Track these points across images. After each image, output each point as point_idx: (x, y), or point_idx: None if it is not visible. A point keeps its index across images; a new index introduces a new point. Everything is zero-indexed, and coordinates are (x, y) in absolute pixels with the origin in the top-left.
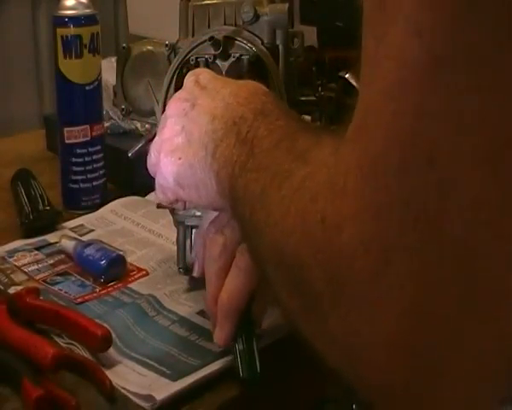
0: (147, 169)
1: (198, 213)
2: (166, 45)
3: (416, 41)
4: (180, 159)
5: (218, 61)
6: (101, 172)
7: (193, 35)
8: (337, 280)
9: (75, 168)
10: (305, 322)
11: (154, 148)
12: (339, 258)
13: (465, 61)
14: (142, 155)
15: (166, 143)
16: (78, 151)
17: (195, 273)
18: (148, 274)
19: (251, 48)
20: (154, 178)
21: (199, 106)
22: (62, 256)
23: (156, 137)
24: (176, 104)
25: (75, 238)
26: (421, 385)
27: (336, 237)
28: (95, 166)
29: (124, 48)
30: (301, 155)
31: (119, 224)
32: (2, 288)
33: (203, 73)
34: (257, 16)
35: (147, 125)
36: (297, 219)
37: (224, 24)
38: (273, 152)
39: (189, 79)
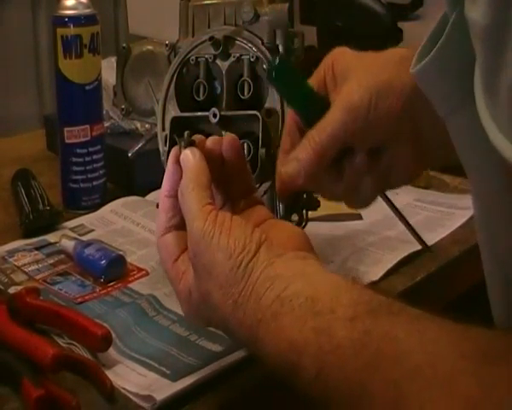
0: (147, 169)
1: None
2: (166, 45)
3: None
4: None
5: (218, 61)
6: (101, 172)
7: (193, 35)
8: None
9: (75, 168)
10: None
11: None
12: None
13: None
14: (142, 155)
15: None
16: (78, 151)
17: None
18: (148, 274)
19: (251, 48)
20: (154, 179)
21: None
22: (62, 256)
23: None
24: (230, 282)
25: (75, 238)
26: None
27: None
28: (95, 166)
29: (124, 48)
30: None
31: (119, 224)
32: (2, 288)
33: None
34: (257, 16)
35: (147, 125)
36: None
37: (224, 24)
38: None
39: (251, 235)
